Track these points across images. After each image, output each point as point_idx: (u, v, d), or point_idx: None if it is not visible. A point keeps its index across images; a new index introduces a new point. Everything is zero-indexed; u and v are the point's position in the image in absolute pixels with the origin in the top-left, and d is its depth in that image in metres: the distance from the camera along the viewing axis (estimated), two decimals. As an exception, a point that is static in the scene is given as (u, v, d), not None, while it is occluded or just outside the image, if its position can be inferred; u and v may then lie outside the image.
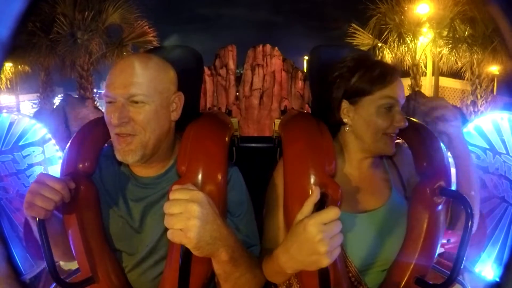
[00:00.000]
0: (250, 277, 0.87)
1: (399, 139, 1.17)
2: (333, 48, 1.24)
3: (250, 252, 0.92)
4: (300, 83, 8.53)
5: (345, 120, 1.03)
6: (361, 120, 1.00)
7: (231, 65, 8.65)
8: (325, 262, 0.72)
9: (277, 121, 1.24)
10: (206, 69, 8.18)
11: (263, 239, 1.03)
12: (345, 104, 1.02)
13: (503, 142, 2.40)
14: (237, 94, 8.61)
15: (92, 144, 1.00)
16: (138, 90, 0.90)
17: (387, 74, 0.98)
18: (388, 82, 0.97)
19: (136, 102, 0.90)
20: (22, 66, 9.35)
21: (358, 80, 0.99)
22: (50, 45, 8.32)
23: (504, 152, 2.39)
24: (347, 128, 1.04)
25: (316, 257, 0.72)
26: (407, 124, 0.98)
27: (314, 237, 0.71)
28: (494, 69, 8.86)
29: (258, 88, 8.54)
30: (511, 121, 2.38)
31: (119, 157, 0.92)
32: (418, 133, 1.07)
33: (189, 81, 1.11)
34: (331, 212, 0.72)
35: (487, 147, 2.48)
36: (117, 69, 0.92)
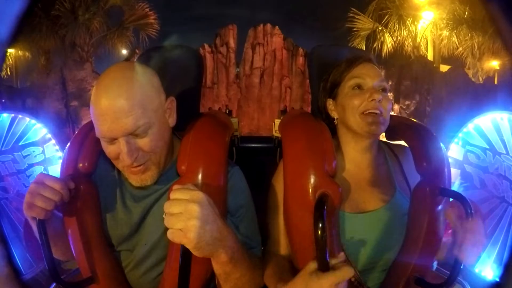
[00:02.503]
0: (250, 278, 0.87)
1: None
2: (333, 48, 1.24)
3: (250, 253, 0.92)
4: (301, 59, 8.51)
5: (332, 115, 1.09)
6: (340, 107, 1.05)
7: (232, 43, 8.65)
8: None
9: (277, 121, 1.24)
10: (206, 46, 8.16)
11: (266, 242, 1.03)
12: (329, 102, 1.09)
13: (503, 142, 2.40)
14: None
15: (92, 144, 1.00)
16: (136, 122, 0.83)
17: (353, 60, 1.06)
18: (354, 66, 1.05)
19: (145, 130, 0.85)
20: (23, 51, 9.21)
21: (332, 76, 1.09)
22: (51, 25, 8.23)
23: (504, 152, 2.39)
24: (335, 121, 1.09)
25: None
26: (380, 97, 0.99)
27: None
28: (495, 63, 8.81)
29: (258, 67, 8.53)
30: (511, 121, 2.38)
31: (136, 181, 0.91)
32: (418, 133, 1.07)
33: (189, 81, 1.11)
34: (346, 273, 0.73)
35: (487, 147, 2.48)
36: (102, 106, 0.82)
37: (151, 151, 0.88)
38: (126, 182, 1.00)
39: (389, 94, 1.05)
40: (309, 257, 0.90)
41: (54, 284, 0.95)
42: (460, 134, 2.62)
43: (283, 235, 1.00)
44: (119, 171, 1.01)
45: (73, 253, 0.95)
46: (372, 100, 0.98)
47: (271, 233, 1.04)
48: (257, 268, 0.92)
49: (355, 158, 1.06)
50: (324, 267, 0.74)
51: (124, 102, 0.82)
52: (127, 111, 0.82)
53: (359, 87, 1.02)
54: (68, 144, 1.02)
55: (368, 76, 1.02)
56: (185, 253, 0.73)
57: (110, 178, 1.01)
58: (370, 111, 0.98)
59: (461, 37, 8.68)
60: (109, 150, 0.87)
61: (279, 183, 1.02)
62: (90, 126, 1.07)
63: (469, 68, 9.05)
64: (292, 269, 0.97)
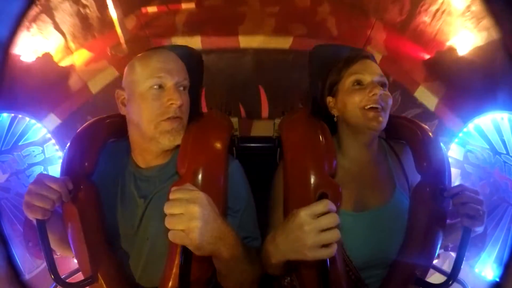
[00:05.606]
0: (250, 272, 0.88)
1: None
2: (333, 48, 1.24)
3: (250, 248, 0.92)
4: None
5: (333, 113, 1.08)
6: (341, 103, 1.05)
7: None
8: (310, 255, 0.72)
9: (277, 121, 1.24)
10: None
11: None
12: (329, 99, 1.09)
13: (503, 142, 2.40)
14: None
15: (92, 144, 1.00)
16: (186, 76, 1.00)
17: (352, 57, 1.06)
18: (353, 63, 1.05)
19: (184, 88, 0.99)
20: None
21: (331, 74, 1.09)
22: None
23: (504, 152, 2.39)
24: (336, 119, 1.08)
25: (300, 246, 0.72)
26: (381, 91, 0.98)
27: (302, 225, 0.71)
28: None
29: None
30: (511, 121, 2.38)
31: (169, 139, 0.95)
32: (418, 133, 1.07)
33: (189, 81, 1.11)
34: (322, 204, 0.73)
35: (487, 147, 2.48)
36: (161, 57, 0.97)
37: (185, 109, 0.98)
38: (127, 181, 1.00)
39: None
40: None
41: (54, 284, 0.95)
42: (460, 134, 2.62)
43: None
44: (120, 168, 1.01)
45: (73, 252, 0.95)
46: (373, 94, 0.98)
47: (273, 229, 1.04)
48: (257, 261, 0.92)
49: (355, 156, 1.06)
50: (324, 266, 0.74)
51: (178, 61, 1.01)
52: (181, 66, 1.00)
53: (359, 83, 1.02)
54: (68, 144, 1.02)
55: (367, 71, 1.02)
56: (186, 252, 0.73)
57: (111, 177, 1.01)
58: (371, 105, 0.98)
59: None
60: (157, 96, 0.94)
61: (281, 179, 1.03)
62: (90, 126, 1.07)
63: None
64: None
